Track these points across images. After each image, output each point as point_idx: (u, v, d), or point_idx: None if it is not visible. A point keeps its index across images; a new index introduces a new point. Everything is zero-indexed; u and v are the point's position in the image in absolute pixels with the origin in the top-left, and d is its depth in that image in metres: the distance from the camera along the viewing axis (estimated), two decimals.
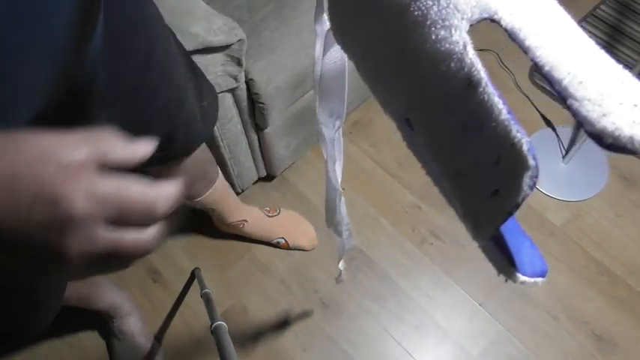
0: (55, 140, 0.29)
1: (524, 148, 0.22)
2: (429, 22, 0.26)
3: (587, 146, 1.52)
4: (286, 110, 1.23)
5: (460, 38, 0.25)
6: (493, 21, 0.26)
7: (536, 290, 1.35)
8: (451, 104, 0.25)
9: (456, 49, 0.25)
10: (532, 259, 0.29)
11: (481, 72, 0.24)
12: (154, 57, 0.66)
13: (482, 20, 0.26)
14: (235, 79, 1.05)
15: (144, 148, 0.32)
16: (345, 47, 0.37)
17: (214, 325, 0.95)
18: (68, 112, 0.53)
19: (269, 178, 1.50)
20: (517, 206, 0.23)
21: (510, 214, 0.23)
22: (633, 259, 1.38)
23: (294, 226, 1.41)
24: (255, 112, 1.19)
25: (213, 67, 0.99)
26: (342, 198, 0.68)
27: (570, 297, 1.34)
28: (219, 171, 1.14)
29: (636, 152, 0.21)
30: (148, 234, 0.31)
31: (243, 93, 1.11)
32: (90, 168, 0.29)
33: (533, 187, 0.22)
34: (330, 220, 0.73)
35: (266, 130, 1.24)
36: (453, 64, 0.25)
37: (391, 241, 1.43)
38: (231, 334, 0.94)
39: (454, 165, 0.26)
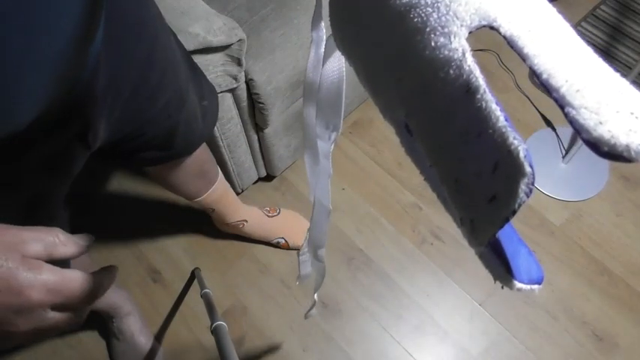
0: (17, 234, 0.34)
1: (521, 155, 0.23)
2: (428, 29, 0.26)
3: None
4: (286, 110, 1.23)
5: (459, 45, 0.25)
6: (492, 28, 0.26)
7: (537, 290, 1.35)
8: (449, 110, 0.26)
9: (455, 56, 0.25)
10: (529, 265, 0.29)
11: (479, 79, 0.24)
12: (155, 57, 0.66)
13: (481, 27, 0.26)
14: (235, 79, 1.05)
15: (83, 244, 0.38)
16: (345, 52, 0.37)
17: (214, 325, 0.95)
18: (69, 113, 0.53)
19: (269, 178, 1.51)
20: (514, 212, 0.23)
21: (507, 220, 0.23)
22: (633, 259, 1.38)
23: (294, 226, 1.41)
24: (255, 112, 1.19)
25: (213, 67, 0.99)
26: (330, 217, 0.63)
27: (570, 297, 1.34)
28: (220, 171, 1.14)
29: (632, 160, 0.21)
30: (82, 313, 0.38)
31: (243, 93, 1.11)
32: (43, 260, 0.35)
33: (529, 193, 0.23)
34: (317, 243, 0.68)
35: (266, 130, 1.24)
36: (451, 71, 0.25)
37: (391, 241, 1.43)
38: (231, 334, 0.94)
39: (452, 171, 0.26)
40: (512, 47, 0.25)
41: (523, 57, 0.24)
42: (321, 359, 1.29)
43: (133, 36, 0.60)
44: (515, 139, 0.23)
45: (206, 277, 1.34)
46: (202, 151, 0.97)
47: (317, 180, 0.55)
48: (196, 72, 0.86)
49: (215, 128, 1.14)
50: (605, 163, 1.51)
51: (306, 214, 1.45)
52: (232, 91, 1.09)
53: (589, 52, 0.25)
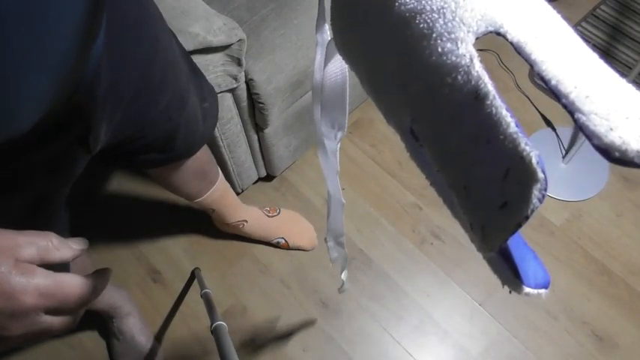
0: (10, 239, 0.34)
1: (534, 161, 0.22)
2: (434, 35, 0.26)
3: (587, 146, 1.52)
4: (286, 110, 1.23)
5: (466, 51, 0.25)
6: (499, 34, 0.26)
7: None
8: (458, 117, 0.26)
9: (463, 62, 0.25)
10: (535, 270, 0.29)
11: (488, 85, 0.24)
12: (156, 59, 0.66)
13: (488, 34, 0.26)
14: (235, 79, 1.05)
15: (77, 248, 0.39)
16: (347, 58, 0.37)
17: (214, 325, 0.95)
18: (70, 115, 0.53)
19: (269, 178, 1.51)
20: (526, 218, 0.23)
21: (520, 226, 0.23)
22: (633, 259, 1.38)
23: (294, 226, 1.41)
24: (255, 112, 1.19)
25: (213, 67, 0.99)
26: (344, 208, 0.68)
27: (570, 297, 1.34)
28: (220, 171, 1.14)
29: None
30: (75, 317, 0.38)
31: (243, 93, 1.11)
32: (37, 264, 0.35)
33: (542, 199, 0.22)
34: (334, 233, 0.72)
35: (266, 130, 1.24)
36: (459, 77, 0.25)
37: (391, 241, 1.43)
38: (231, 334, 0.94)
39: (461, 177, 0.26)
40: (519, 53, 0.25)
41: (531, 63, 0.24)
42: (321, 359, 1.29)
43: (134, 38, 0.60)
44: (527, 145, 0.23)
45: (206, 277, 1.34)
46: (203, 152, 0.97)
47: (328, 176, 0.57)
48: (197, 73, 0.86)
49: (215, 128, 1.13)
50: (605, 163, 1.51)
51: (306, 214, 1.45)
52: (232, 91, 1.09)
53: (594, 56, 0.25)
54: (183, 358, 1.32)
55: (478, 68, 0.25)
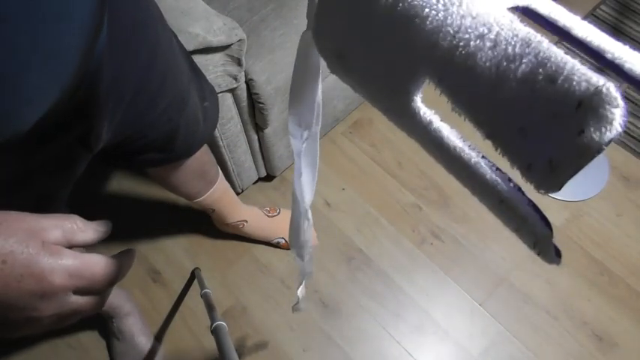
0: (36, 222, 0.35)
1: (612, 89, 0.23)
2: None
3: None
4: (286, 110, 1.23)
5: (505, 13, 0.27)
6: (529, 10, 0.27)
7: (537, 290, 1.35)
8: (506, 66, 0.26)
9: (503, 21, 0.27)
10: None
11: (538, 35, 0.26)
12: (156, 59, 0.66)
13: (518, 9, 0.27)
14: (235, 79, 1.05)
15: (102, 230, 0.39)
16: (332, 50, 0.36)
17: (214, 325, 0.95)
18: (72, 115, 0.53)
19: (269, 178, 1.51)
20: (607, 144, 0.24)
21: (599, 152, 0.24)
22: (633, 259, 1.38)
23: None
24: (255, 112, 1.19)
25: (213, 67, 0.99)
26: (310, 217, 0.63)
27: (570, 297, 1.34)
28: (220, 171, 1.14)
29: None
30: (103, 297, 0.39)
31: (243, 93, 1.11)
32: (63, 246, 0.36)
33: (623, 126, 0.23)
34: (295, 241, 0.68)
35: (266, 130, 1.24)
36: (503, 33, 0.26)
37: (391, 241, 1.43)
38: (231, 334, 0.94)
39: (515, 121, 0.26)
40: (551, 24, 0.26)
41: (567, 30, 0.26)
42: (321, 359, 1.29)
43: (135, 38, 0.60)
44: (600, 77, 0.23)
45: (206, 277, 1.34)
46: (203, 152, 0.97)
47: (294, 178, 0.54)
48: (197, 73, 0.86)
49: (215, 128, 1.13)
50: (605, 163, 1.51)
51: None
52: (232, 91, 1.09)
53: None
54: (183, 358, 1.32)
55: (518, 23, 0.26)
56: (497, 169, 0.29)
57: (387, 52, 0.31)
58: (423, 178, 1.49)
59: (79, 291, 0.36)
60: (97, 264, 0.37)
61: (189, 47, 0.90)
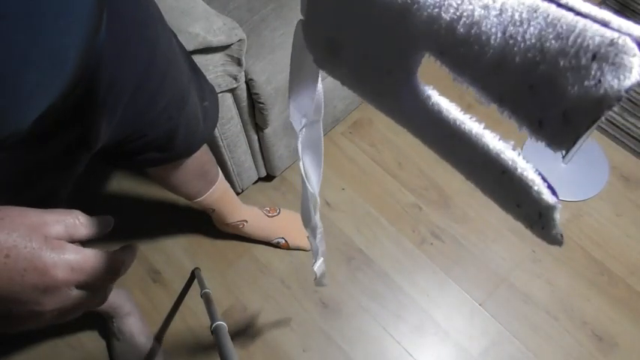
0: (39, 217, 0.35)
1: (628, 41, 0.23)
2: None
3: (587, 146, 1.52)
4: (286, 110, 1.23)
5: None
6: None
7: (537, 290, 1.35)
8: (514, 29, 0.26)
9: None
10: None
11: (545, 2, 0.25)
12: (156, 58, 0.66)
13: None
14: (235, 79, 1.05)
15: (104, 225, 0.39)
16: (323, 36, 0.36)
17: (214, 325, 0.95)
18: (71, 114, 0.53)
19: (269, 178, 1.51)
20: (626, 92, 0.23)
21: (618, 100, 0.24)
22: (633, 259, 1.38)
23: (294, 226, 1.41)
24: (255, 112, 1.19)
25: (213, 67, 0.99)
26: (318, 205, 0.65)
27: (570, 297, 1.34)
28: (220, 171, 1.14)
29: None
30: (105, 292, 0.39)
31: (243, 93, 1.11)
32: (65, 241, 0.36)
33: None
34: (306, 222, 0.71)
35: (266, 130, 1.24)
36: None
37: (391, 241, 1.43)
38: (231, 334, 0.94)
39: (524, 79, 0.26)
40: None
41: (570, 7, 0.26)
42: (321, 359, 1.29)
43: (134, 37, 0.60)
44: (614, 32, 0.23)
45: (206, 277, 1.34)
46: (203, 152, 0.97)
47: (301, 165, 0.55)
48: (197, 73, 0.86)
49: (215, 128, 1.13)
50: (605, 163, 1.51)
51: None
52: (232, 91, 1.09)
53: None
54: (183, 358, 1.32)
55: None
56: (500, 138, 0.29)
57: (383, 30, 0.31)
58: (423, 178, 1.49)
59: (81, 285, 0.36)
60: (100, 259, 0.37)
61: (189, 47, 0.90)
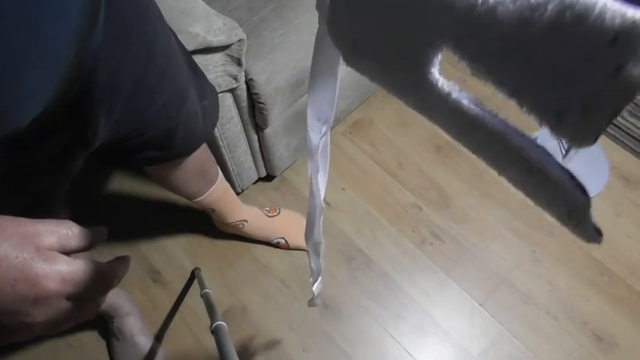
0: (31, 227, 0.35)
1: None
2: None
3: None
4: (286, 110, 1.23)
5: None
6: None
7: (537, 290, 1.35)
8: (529, 14, 0.25)
9: None
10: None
11: None
12: (155, 57, 0.66)
13: None
14: (235, 79, 1.05)
15: (96, 236, 0.39)
16: (344, 23, 0.35)
17: (214, 325, 0.95)
18: (69, 112, 0.53)
19: (269, 178, 1.51)
20: None
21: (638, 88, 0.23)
22: (633, 259, 1.38)
23: (294, 226, 1.41)
24: (255, 112, 1.19)
25: (213, 67, 0.99)
26: (323, 213, 0.64)
27: (570, 297, 1.34)
28: (220, 171, 1.14)
29: None
30: (97, 304, 0.39)
31: (243, 93, 1.11)
32: (57, 251, 0.36)
33: None
34: (309, 236, 0.69)
35: (266, 130, 1.24)
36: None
37: (391, 241, 1.43)
38: (231, 334, 0.94)
39: (542, 66, 0.25)
40: None
41: None
42: (321, 359, 1.29)
43: (133, 36, 0.60)
44: (636, 11, 0.22)
45: (206, 277, 1.34)
46: (202, 151, 0.97)
47: (311, 174, 0.55)
48: (197, 72, 0.86)
49: (215, 127, 1.14)
50: (605, 163, 1.51)
51: (306, 214, 1.45)
52: (232, 91, 1.09)
53: None
54: (183, 358, 1.32)
55: None
56: (524, 135, 0.28)
57: (401, 24, 0.30)
58: (423, 178, 1.49)
59: (72, 297, 0.36)
60: (91, 270, 0.36)
61: (190, 47, 0.90)
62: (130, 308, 1.28)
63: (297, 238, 1.40)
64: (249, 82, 1.09)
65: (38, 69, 0.41)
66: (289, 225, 1.41)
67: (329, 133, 0.53)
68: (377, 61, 0.35)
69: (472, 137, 0.30)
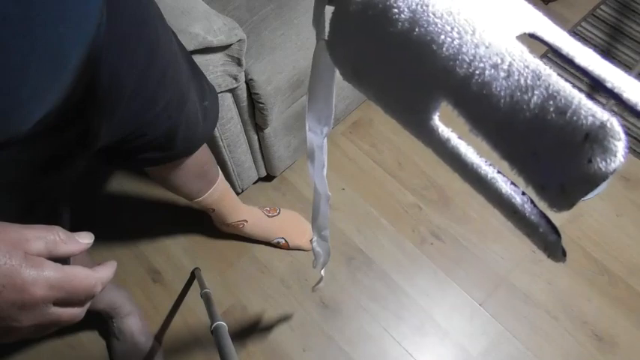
0: (19, 233, 0.35)
1: (615, 124, 0.26)
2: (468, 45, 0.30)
3: None
4: (286, 110, 1.23)
5: (516, 44, 0.29)
6: (535, 37, 0.30)
7: (537, 290, 1.35)
8: (519, 98, 0.28)
9: (515, 52, 0.29)
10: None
11: (547, 67, 0.28)
12: (156, 58, 0.66)
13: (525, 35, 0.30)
14: (235, 79, 1.05)
15: (84, 242, 0.39)
16: (349, 67, 0.38)
17: (214, 325, 0.95)
18: (70, 114, 0.53)
19: (269, 178, 1.51)
20: (611, 174, 0.27)
21: (605, 179, 0.27)
22: (633, 259, 1.38)
23: (294, 226, 1.41)
24: (255, 112, 1.19)
25: (213, 67, 0.99)
26: (329, 201, 0.69)
27: (570, 297, 1.34)
28: (220, 171, 1.14)
29: None
30: (83, 309, 0.39)
31: (243, 93, 1.11)
32: (45, 258, 0.36)
33: (625, 156, 0.26)
34: (318, 228, 0.74)
35: (266, 130, 1.24)
36: (515, 64, 0.29)
37: (391, 241, 1.43)
38: (231, 334, 0.94)
39: (528, 146, 0.29)
40: (556, 51, 0.29)
41: (570, 58, 0.29)
42: (321, 359, 1.29)
43: (134, 37, 0.60)
44: (604, 112, 0.26)
45: (206, 277, 1.34)
46: (203, 152, 0.97)
47: (314, 171, 0.58)
48: (197, 72, 0.86)
49: (215, 127, 1.13)
50: None
51: (306, 214, 1.45)
52: (232, 91, 1.09)
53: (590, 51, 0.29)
54: (183, 358, 1.32)
55: (530, 56, 0.28)
56: (512, 183, 0.32)
57: (403, 73, 0.33)
58: (423, 178, 1.49)
59: (58, 302, 0.36)
60: (78, 276, 0.37)
61: (190, 47, 0.90)
62: (130, 308, 1.28)
63: (297, 238, 1.40)
64: (249, 82, 1.09)
65: (38, 73, 0.41)
66: (289, 225, 1.41)
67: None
68: (376, 94, 0.37)
69: (465, 177, 0.33)
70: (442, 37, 0.30)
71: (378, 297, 1.35)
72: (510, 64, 0.28)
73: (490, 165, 0.32)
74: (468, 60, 0.29)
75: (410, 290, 1.36)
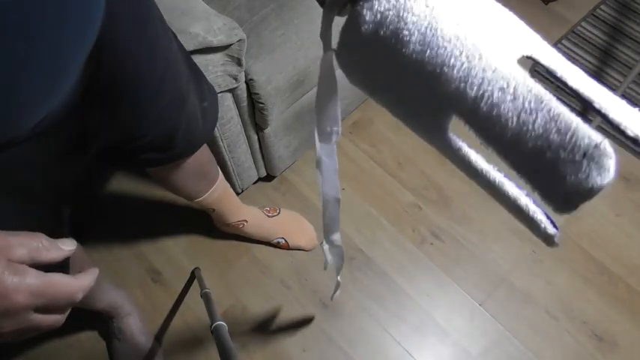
0: (2, 239, 0.36)
1: (607, 145, 0.30)
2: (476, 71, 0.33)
3: None
4: (286, 110, 1.23)
5: (517, 68, 0.32)
6: (532, 59, 0.33)
7: (537, 290, 1.35)
8: (524, 117, 0.32)
9: (518, 76, 0.32)
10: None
11: (547, 92, 0.32)
12: (156, 59, 0.66)
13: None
14: (235, 79, 1.05)
15: (66, 249, 0.40)
16: (362, 84, 0.40)
17: (214, 325, 0.95)
18: (70, 114, 0.53)
19: (269, 178, 1.51)
20: (605, 187, 0.31)
21: (599, 191, 0.31)
22: (633, 259, 1.38)
23: (294, 226, 1.41)
24: (255, 112, 1.19)
25: (213, 67, 0.99)
26: (339, 205, 0.69)
27: (570, 297, 1.34)
28: (220, 171, 1.14)
29: None
30: (63, 315, 0.40)
31: (243, 93, 1.11)
32: (27, 264, 0.37)
33: (615, 172, 0.31)
34: (329, 232, 0.75)
35: (266, 130, 1.24)
36: (519, 88, 0.32)
37: (391, 241, 1.43)
38: (231, 334, 0.94)
39: (532, 162, 0.32)
40: (551, 74, 0.33)
41: (564, 81, 0.33)
42: (321, 359, 1.29)
43: (134, 38, 0.60)
44: (597, 134, 0.31)
45: (206, 277, 1.34)
46: (203, 152, 0.97)
47: (323, 174, 0.60)
48: (196, 73, 0.86)
49: (215, 128, 1.13)
50: None
51: (306, 214, 1.45)
52: (232, 91, 1.09)
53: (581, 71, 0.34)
54: (183, 358, 1.32)
55: (532, 82, 0.32)
56: (517, 186, 0.35)
57: (416, 92, 0.35)
58: (423, 178, 1.49)
59: (40, 309, 0.37)
60: (59, 284, 0.38)
61: (189, 47, 0.90)
62: (130, 308, 1.28)
63: (298, 238, 1.40)
64: (249, 82, 1.09)
65: (38, 78, 0.41)
66: (289, 225, 1.41)
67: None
68: (388, 104, 0.39)
69: (475, 180, 0.37)
70: (452, 60, 0.32)
71: (377, 297, 1.36)
72: (515, 88, 0.31)
73: (498, 171, 0.35)
74: (477, 83, 0.32)
75: (410, 290, 1.36)
